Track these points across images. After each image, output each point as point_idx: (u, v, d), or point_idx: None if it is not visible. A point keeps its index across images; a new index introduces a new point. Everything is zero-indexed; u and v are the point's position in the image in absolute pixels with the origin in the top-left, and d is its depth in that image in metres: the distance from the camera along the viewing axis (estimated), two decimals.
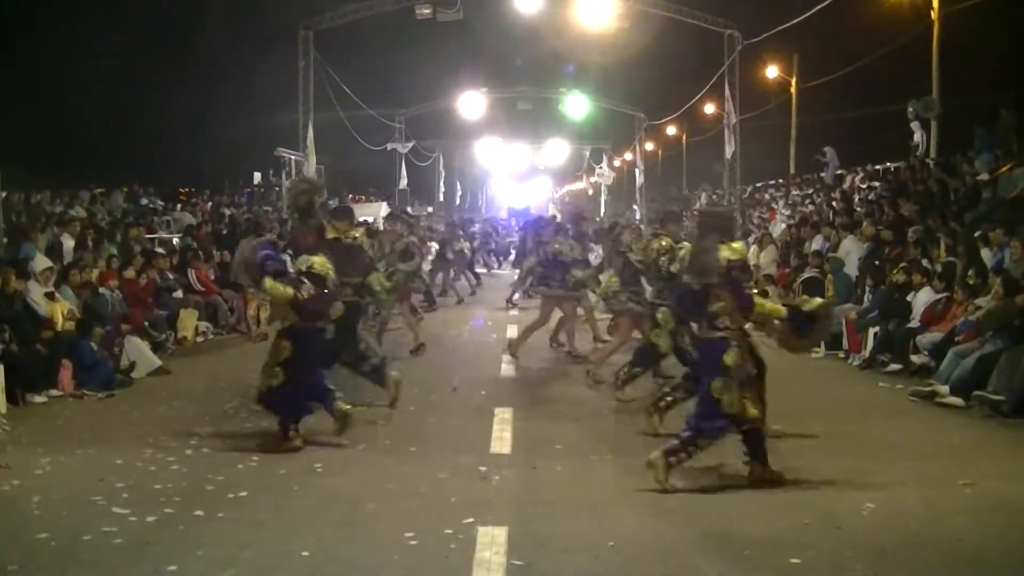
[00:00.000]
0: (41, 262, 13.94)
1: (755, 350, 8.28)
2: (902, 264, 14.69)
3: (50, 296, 12.85)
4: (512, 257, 30.46)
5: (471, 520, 7.00)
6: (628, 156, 58.45)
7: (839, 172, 29.77)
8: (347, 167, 43.77)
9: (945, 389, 11.28)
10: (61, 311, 12.68)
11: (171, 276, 17.02)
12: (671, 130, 52.70)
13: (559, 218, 18.25)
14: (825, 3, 26.23)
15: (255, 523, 7.03)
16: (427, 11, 31.05)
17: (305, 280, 9.23)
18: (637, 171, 53.21)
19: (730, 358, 7.74)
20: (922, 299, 13.91)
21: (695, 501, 7.56)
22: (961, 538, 6.77)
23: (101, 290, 14.20)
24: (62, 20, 29.69)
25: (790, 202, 30.73)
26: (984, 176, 18.44)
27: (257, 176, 38.08)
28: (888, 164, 27.20)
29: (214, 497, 7.63)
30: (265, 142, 34.64)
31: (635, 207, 47.77)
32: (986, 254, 14.06)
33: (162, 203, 27.85)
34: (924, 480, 8.16)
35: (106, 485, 7.88)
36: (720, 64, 33.43)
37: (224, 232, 22.90)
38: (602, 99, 47.09)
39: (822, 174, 30.87)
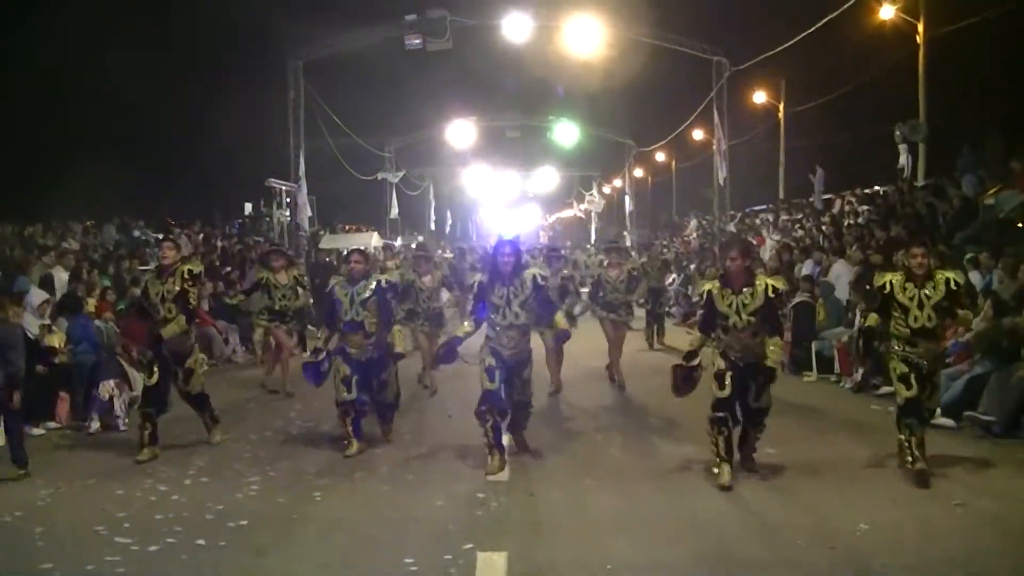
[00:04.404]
0: (37, 295, 13.99)
1: None
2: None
3: (46, 328, 12.87)
4: None
5: (470, 546, 7.05)
6: (618, 183, 58.64)
7: (826, 197, 29.93)
8: (338, 196, 43.81)
9: (936, 410, 11.36)
10: (58, 343, 12.70)
11: None
12: (660, 156, 52.83)
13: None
14: (812, 30, 26.50)
15: (256, 551, 7.08)
16: (416, 41, 31.17)
17: None
18: (627, 198, 53.41)
19: None
20: None
21: (691, 524, 7.63)
22: (954, 557, 6.82)
23: (97, 322, 14.23)
24: (56, 47, 29.72)
25: (779, 227, 30.86)
26: (983, 196, 18.55)
27: (248, 207, 38.18)
28: (877, 188, 27.37)
29: (215, 526, 7.67)
30: (255, 173, 34.74)
31: (625, 233, 47.90)
32: (975, 276, 14.20)
33: (156, 236, 27.86)
34: (917, 500, 8.24)
35: (108, 515, 7.92)
36: (708, 90, 33.61)
37: (216, 263, 23.02)
38: (591, 126, 47.19)
39: (811, 198, 31.04)
